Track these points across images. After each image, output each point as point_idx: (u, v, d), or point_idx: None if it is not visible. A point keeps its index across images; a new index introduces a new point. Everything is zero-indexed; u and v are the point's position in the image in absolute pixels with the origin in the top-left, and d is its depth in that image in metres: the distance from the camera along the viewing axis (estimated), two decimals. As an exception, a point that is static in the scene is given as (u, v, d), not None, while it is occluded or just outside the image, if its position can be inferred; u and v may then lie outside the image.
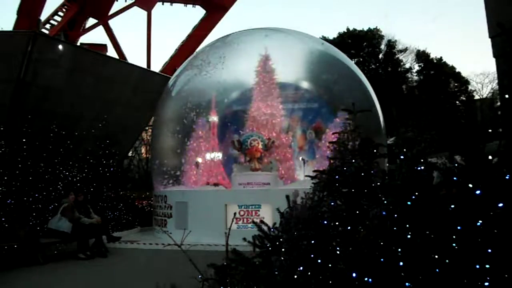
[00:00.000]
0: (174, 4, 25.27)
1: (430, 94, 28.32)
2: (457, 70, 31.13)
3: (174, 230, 8.94)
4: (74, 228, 7.78)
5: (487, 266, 1.56)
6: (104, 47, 21.36)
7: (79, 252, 7.70)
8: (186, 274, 2.74)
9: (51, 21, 22.48)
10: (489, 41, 6.98)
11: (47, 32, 20.86)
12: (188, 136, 11.31)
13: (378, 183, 2.33)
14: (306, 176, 3.65)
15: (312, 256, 2.04)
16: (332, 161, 2.88)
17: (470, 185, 1.69)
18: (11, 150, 8.76)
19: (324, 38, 27.44)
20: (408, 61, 32.52)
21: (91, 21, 24.44)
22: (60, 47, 10.44)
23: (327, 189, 2.58)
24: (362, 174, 2.46)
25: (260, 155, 10.47)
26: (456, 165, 1.79)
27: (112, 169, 11.47)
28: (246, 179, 9.97)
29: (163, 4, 25.04)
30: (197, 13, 25.23)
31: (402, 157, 2.05)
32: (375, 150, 2.69)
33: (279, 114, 11.29)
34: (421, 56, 31.79)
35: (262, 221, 2.92)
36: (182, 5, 25.34)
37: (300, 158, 11.00)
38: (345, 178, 2.49)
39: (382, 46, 31.95)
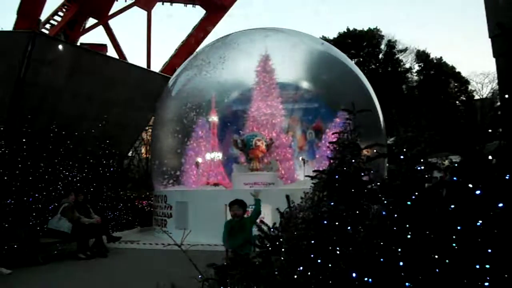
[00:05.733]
0: (174, 4, 25.24)
1: (430, 94, 28.33)
2: (457, 70, 31.16)
3: (174, 230, 8.93)
4: (74, 228, 7.78)
5: (487, 266, 1.56)
6: (104, 47, 21.33)
7: (79, 252, 7.70)
8: (186, 274, 2.74)
9: (51, 21, 22.41)
10: (489, 41, 6.99)
11: (47, 32, 20.83)
12: (188, 136, 11.31)
13: (378, 183, 2.34)
14: (306, 176, 3.66)
15: (312, 256, 2.04)
16: (332, 161, 2.88)
17: (470, 185, 1.69)
18: (11, 150, 8.75)
19: (324, 38, 27.45)
20: (408, 61, 32.56)
21: (91, 21, 24.38)
22: (60, 47, 10.44)
23: (327, 189, 2.58)
24: (362, 174, 2.46)
25: (261, 155, 10.48)
26: (456, 165, 1.80)
27: (112, 169, 11.47)
28: (253, 179, 9.96)
29: (163, 4, 24.99)
30: (197, 13, 25.19)
31: (402, 157, 2.05)
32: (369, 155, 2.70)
33: (279, 114, 11.30)
34: (421, 56, 31.81)
35: (262, 221, 2.92)
36: (182, 5, 25.32)
37: (300, 158, 11.00)
38: (345, 178, 2.49)
39: (382, 46, 31.97)
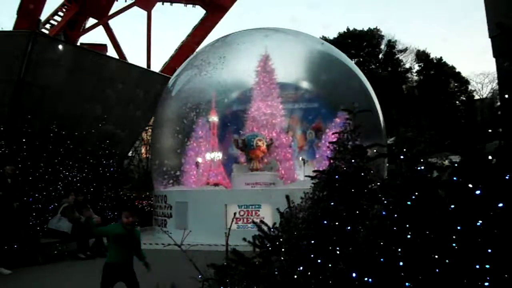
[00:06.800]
0: (174, 4, 25.26)
1: (430, 94, 28.34)
2: (457, 70, 31.17)
3: (174, 230, 8.94)
4: (74, 228, 7.78)
5: (487, 266, 1.56)
6: (104, 47, 21.36)
7: (79, 252, 7.70)
8: (186, 274, 2.74)
9: (51, 21, 22.45)
10: (489, 41, 6.98)
11: (47, 32, 20.84)
12: (188, 136, 11.31)
13: (378, 183, 2.34)
14: (306, 176, 3.66)
15: (312, 256, 2.04)
16: (332, 161, 2.88)
17: (470, 185, 1.69)
18: (11, 150, 8.75)
19: (324, 38, 27.45)
20: (408, 61, 32.58)
21: (91, 21, 24.43)
22: (60, 47, 10.43)
23: (327, 189, 2.58)
24: (362, 174, 2.46)
25: (262, 155, 10.48)
26: (456, 165, 1.80)
27: (112, 169, 11.46)
28: (253, 179, 9.97)
29: (163, 4, 25.03)
30: (197, 13, 25.22)
31: (402, 157, 2.05)
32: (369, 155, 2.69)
33: (279, 114, 11.30)
34: (421, 56, 31.83)
35: (262, 221, 2.92)
36: (182, 5, 25.33)
37: (300, 158, 11.00)
38: (344, 178, 2.49)
39: (382, 46, 31.99)
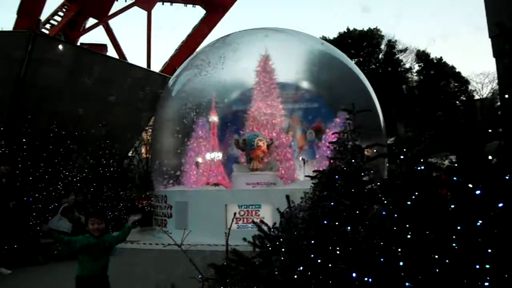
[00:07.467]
0: (174, 4, 25.25)
1: (430, 94, 28.33)
2: (457, 70, 31.14)
3: (174, 230, 8.93)
4: (74, 228, 7.78)
5: (487, 266, 1.56)
6: (104, 47, 21.34)
7: (79, 252, 7.69)
8: (186, 274, 2.75)
9: (51, 21, 22.44)
10: (489, 41, 7.00)
11: (47, 32, 20.83)
12: (188, 136, 11.31)
13: (378, 183, 2.34)
14: (306, 176, 3.66)
15: (312, 256, 2.04)
16: (332, 161, 2.88)
17: (470, 185, 1.69)
18: (11, 150, 8.75)
19: (324, 38, 27.44)
20: (408, 61, 32.53)
21: (91, 21, 24.40)
22: (60, 47, 10.44)
23: (327, 189, 2.58)
24: (362, 174, 2.46)
25: (262, 155, 10.48)
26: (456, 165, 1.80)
27: (112, 169, 11.46)
28: (252, 179, 9.97)
29: (163, 4, 25.02)
30: (197, 13, 25.21)
31: (402, 157, 2.05)
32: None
33: (279, 114, 11.29)
34: (421, 56, 31.79)
35: (262, 221, 2.93)
36: (182, 5, 25.32)
37: (300, 158, 10.99)
38: (344, 178, 2.49)
39: (382, 46, 31.94)
